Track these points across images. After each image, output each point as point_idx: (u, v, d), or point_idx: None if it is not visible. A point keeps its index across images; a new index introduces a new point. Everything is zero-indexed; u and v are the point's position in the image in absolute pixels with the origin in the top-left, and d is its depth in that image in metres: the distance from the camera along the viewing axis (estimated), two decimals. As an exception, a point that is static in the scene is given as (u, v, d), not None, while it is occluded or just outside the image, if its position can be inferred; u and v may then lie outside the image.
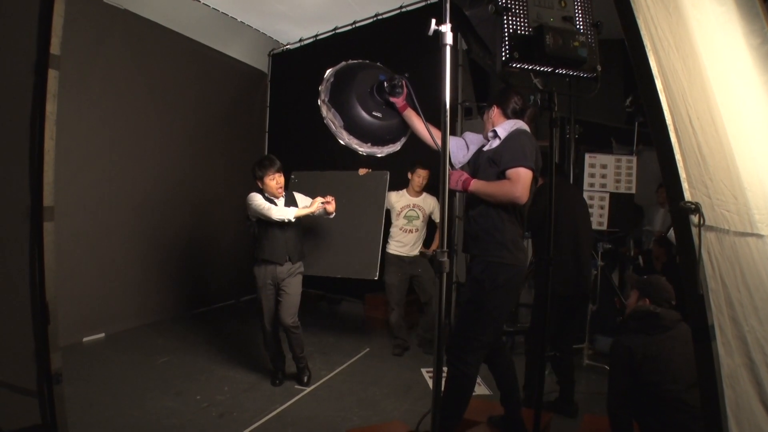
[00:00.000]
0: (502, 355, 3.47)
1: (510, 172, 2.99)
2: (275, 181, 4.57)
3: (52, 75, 2.07)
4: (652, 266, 6.48)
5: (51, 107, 2.09)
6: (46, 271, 2.09)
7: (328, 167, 6.39)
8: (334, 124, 3.33)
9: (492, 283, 3.09)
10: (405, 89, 3.28)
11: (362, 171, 6.02)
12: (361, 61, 3.56)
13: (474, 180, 3.14)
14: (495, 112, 3.31)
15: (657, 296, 3.14)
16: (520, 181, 2.97)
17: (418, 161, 5.67)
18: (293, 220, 4.47)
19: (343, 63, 3.49)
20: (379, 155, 3.51)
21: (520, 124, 3.21)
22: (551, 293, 3.25)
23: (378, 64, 3.55)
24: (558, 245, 3.64)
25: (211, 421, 4.11)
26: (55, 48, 2.07)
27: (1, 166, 2.15)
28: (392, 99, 3.31)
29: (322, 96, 3.37)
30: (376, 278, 5.74)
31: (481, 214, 3.19)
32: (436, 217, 5.87)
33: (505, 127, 3.19)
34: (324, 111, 3.36)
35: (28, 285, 2.11)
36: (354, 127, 3.32)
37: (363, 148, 3.41)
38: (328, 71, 3.42)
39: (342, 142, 3.37)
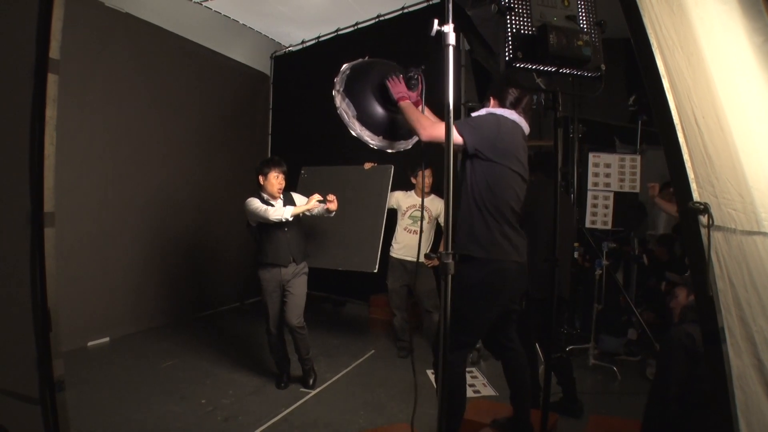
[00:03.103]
0: (513, 356, 3.42)
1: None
2: (278, 179, 4.60)
3: (52, 79, 2.06)
4: (656, 265, 6.48)
5: (51, 112, 2.07)
6: (47, 277, 2.08)
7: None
8: (347, 114, 3.26)
9: (464, 280, 2.98)
10: (420, 84, 3.22)
11: (368, 165, 6.10)
12: (379, 59, 3.52)
13: (408, 101, 3.12)
14: (492, 103, 3.29)
15: None
16: (436, 129, 2.93)
17: (418, 163, 5.65)
18: (290, 218, 4.46)
19: (361, 59, 3.46)
20: (389, 150, 3.45)
21: (496, 110, 3.18)
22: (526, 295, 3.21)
23: (394, 63, 3.49)
24: (534, 246, 3.61)
25: (216, 425, 4.10)
26: (54, 52, 2.05)
27: (1, 171, 2.14)
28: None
29: (337, 86, 3.31)
30: (375, 271, 5.82)
31: (458, 209, 3.16)
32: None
33: (480, 112, 3.19)
34: (338, 101, 3.29)
35: (30, 292, 2.10)
36: (367, 119, 3.26)
37: (374, 141, 3.34)
38: (345, 65, 3.38)
39: (354, 134, 3.29)
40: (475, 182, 3.07)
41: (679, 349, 2.92)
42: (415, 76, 3.19)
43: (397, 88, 3.14)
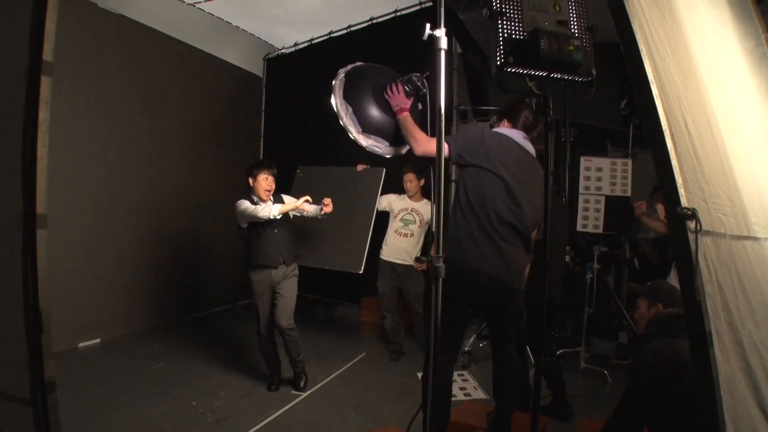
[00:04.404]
0: (499, 360, 3.45)
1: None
2: (267, 181, 4.62)
3: (45, 82, 2.05)
4: (647, 268, 6.49)
5: (44, 114, 2.07)
6: (39, 279, 2.08)
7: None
8: (379, 148, 3.18)
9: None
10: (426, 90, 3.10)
11: (360, 167, 6.12)
12: (352, 68, 3.33)
13: (406, 114, 3.09)
14: (505, 124, 3.32)
15: (670, 299, 2.94)
16: (429, 145, 2.97)
17: (406, 166, 5.69)
18: (278, 216, 4.47)
19: (336, 80, 3.22)
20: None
21: (497, 127, 3.27)
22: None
23: (359, 64, 3.37)
24: None
25: (207, 427, 4.10)
26: (47, 55, 2.05)
27: (-6, 173, 2.14)
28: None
29: (353, 130, 3.12)
30: (360, 272, 5.90)
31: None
32: None
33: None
34: (363, 141, 3.14)
35: (21, 293, 2.10)
36: (393, 138, 3.19)
37: (404, 150, 3.30)
38: (336, 102, 3.14)
39: (389, 156, 3.27)
40: (460, 191, 3.15)
41: (651, 376, 2.68)
42: (424, 86, 3.08)
43: (395, 100, 3.10)
